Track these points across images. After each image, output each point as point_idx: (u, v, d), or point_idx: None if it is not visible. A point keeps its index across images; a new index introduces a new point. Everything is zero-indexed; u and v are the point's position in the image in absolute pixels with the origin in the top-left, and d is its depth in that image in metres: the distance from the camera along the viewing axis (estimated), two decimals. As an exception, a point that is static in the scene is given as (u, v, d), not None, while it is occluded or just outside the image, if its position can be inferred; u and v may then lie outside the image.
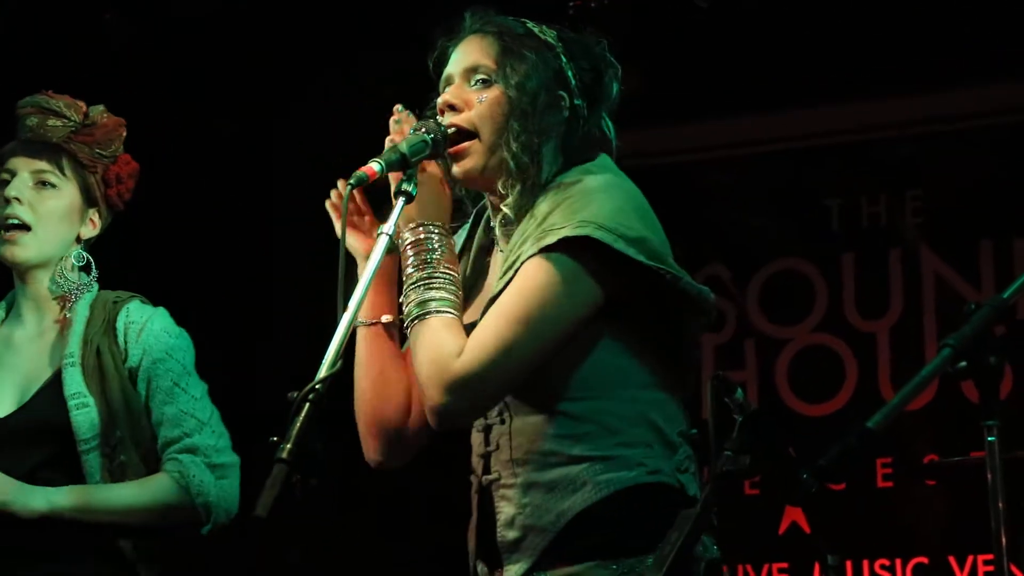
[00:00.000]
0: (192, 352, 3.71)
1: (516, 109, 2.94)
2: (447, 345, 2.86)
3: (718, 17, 5.52)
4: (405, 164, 2.92)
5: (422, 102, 3.07)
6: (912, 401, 2.46)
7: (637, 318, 2.93)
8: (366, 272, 2.83)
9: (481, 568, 3.01)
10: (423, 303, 2.90)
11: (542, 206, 2.93)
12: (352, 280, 2.82)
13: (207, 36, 5.84)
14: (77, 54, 5.68)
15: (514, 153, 2.94)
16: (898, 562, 5.67)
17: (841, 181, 5.88)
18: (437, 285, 2.91)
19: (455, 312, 2.91)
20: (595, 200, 2.87)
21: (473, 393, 2.85)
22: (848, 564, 5.65)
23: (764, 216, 5.89)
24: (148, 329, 3.66)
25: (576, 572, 2.88)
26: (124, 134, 3.79)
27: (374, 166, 2.89)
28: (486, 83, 2.98)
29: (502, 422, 2.95)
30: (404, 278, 2.95)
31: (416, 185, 2.93)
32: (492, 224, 3.06)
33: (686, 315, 2.95)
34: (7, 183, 3.69)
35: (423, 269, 2.92)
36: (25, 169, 3.69)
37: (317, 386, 2.63)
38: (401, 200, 2.92)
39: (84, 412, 3.57)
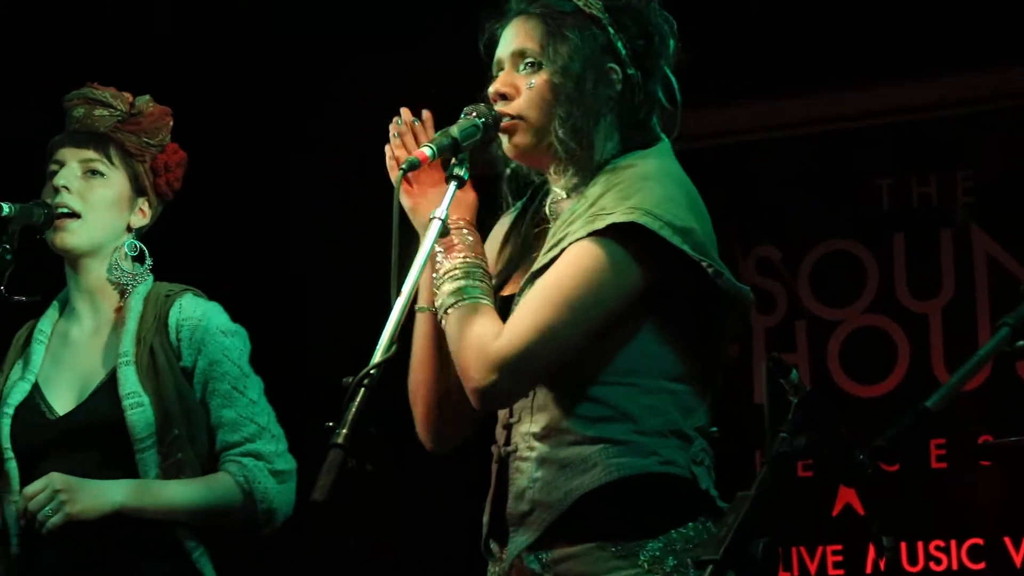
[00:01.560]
0: (248, 349, 3.71)
1: (561, 94, 2.94)
2: (485, 327, 2.86)
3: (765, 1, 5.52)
4: (456, 149, 2.93)
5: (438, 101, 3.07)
6: (969, 381, 2.45)
7: (673, 308, 2.92)
8: (419, 256, 2.83)
9: (493, 545, 3.02)
10: (454, 292, 2.91)
11: (595, 188, 2.93)
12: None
13: (248, 23, 5.86)
14: (123, 43, 5.70)
15: (560, 139, 2.95)
16: (953, 543, 5.64)
17: (891, 161, 5.84)
18: (467, 275, 2.92)
19: (487, 299, 2.91)
20: (646, 187, 2.87)
21: (514, 372, 2.85)
22: (903, 546, 5.63)
23: (814, 197, 5.86)
24: (202, 327, 3.66)
25: (575, 553, 2.89)
26: (171, 123, 3.79)
27: (425, 151, 2.90)
28: (534, 67, 2.98)
29: (526, 395, 2.95)
30: (436, 268, 2.95)
31: (467, 170, 2.94)
32: (545, 201, 3.06)
33: (723, 312, 2.94)
34: (54, 173, 3.70)
35: (451, 262, 2.93)
36: (73, 159, 3.69)
37: (372, 371, 2.64)
38: (453, 184, 2.93)
39: (139, 412, 3.57)
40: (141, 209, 3.76)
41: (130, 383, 3.59)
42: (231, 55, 5.89)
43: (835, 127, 5.91)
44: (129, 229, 3.75)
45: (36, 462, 3.61)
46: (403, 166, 2.87)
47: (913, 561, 5.67)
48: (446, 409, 3.05)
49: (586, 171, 2.96)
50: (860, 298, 5.88)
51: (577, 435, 2.90)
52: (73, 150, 3.70)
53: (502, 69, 3.02)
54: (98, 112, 3.72)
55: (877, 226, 5.87)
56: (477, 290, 2.91)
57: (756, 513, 2.60)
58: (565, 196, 3.00)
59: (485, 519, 3.02)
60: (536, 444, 2.93)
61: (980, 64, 5.63)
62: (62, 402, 3.67)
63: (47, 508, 3.50)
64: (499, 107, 2.98)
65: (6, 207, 3.63)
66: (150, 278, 3.74)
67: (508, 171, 3.11)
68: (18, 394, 3.68)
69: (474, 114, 2.98)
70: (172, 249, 3.84)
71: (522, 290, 2.94)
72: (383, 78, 5.65)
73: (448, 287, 2.92)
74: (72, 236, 3.68)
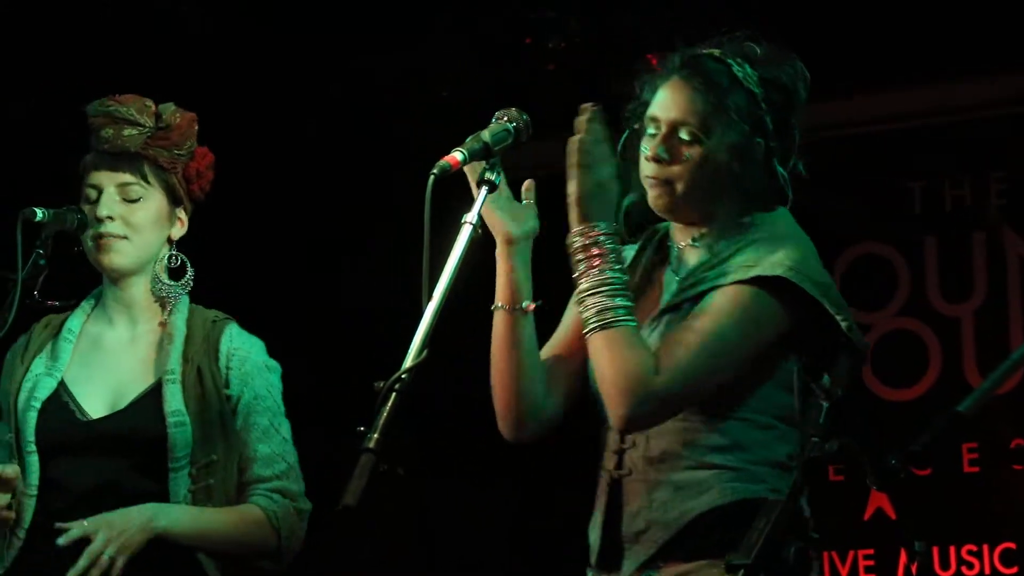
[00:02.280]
0: (282, 388, 3.77)
1: (715, 170, 3.08)
2: (640, 359, 2.97)
3: (800, 1, 5.50)
4: (488, 153, 2.94)
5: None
6: (1003, 385, 2.44)
7: (795, 355, 3.06)
8: (450, 261, 2.84)
9: (596, 572, 3.14)
10: (603, 311, 2.99)
11: (726, 242, 3.09)
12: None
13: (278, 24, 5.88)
14: (154, 42, 5.72)
15: (702, 207, 3.11)
16: (985, 548, 5.62)
17: (924, 164, 5.83)
18: (615, 292, 3.00)
19: (634, 319, 3.00)
20: (787, 245, 3.05)
21: (666, 409, 3.01)
22: (935, 550, 5.61)
23: (846, 199, 5.84)
24: (251, 361, 3.72)
25: (687, 570, 3.02)
26: (197, 128, 3.80)
27: (457, 155, 2.90)
28: (692, 141, 3.09)
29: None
30: (576, 281, 3.03)
31: (499, 174, 2.95)
32: (669, 243, 3.20)
33: (841, 360, 3.02)
34: (92, 197, 3.71)
35: (597, 275, 3.00)
36: (110, 184, 3.70)
37: (403, 376, 2.65)
38: (484, 189, 2.94)
39: (182, 430, 3.61)
40: (179, 219, 3.78)
41: (176, 401, 3.62)
42: (250, 54, 5.91)
43: (867, 130, 5.89)
44: (169, 241, 3.78)
45: (58, 459, 3.62)
46: (434, 171, 2.88)
47: (945, 566, 5.65)
48: (525, 403, 3.15)
49: (721, 228, 3.12)
50: (892, 301, 5.86)
51: (693, 461, 3.05)
52: (108, 174, 3.71)
53: (657, 128, 3.11)
54: (127, 132, 3.70)
55: (909, 229, 5.85)
56: (625, 311, 3.00)
57: (788, 517, 2.60)
58: (692, 243, 3.15)
59: (595, 539, 3.14)
60: (651, 468, 3.07)
61: (1014, 67, 5.61)
62: (94, 405, 3.67)
63: (106, 553, 3.51)
64: (652, 169, 3.10)
65: (39, 212, 3.65)
66: (186, 296, 3.77)
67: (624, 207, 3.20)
68: (45, 389, 3.68)
69: (505, 119, 3.00)
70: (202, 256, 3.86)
71: (652, 325, 3.08)
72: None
73: (598, 302, 3.00)
74: (120, 256, 3.71)
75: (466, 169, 2.98)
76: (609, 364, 2.98)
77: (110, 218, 3.68)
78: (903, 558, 5.67)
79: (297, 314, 5.72)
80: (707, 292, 3.04)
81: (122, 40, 5.67)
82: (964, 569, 5.63)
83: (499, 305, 3.12)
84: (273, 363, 3.77)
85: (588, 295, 3.00)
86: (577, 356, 3.17)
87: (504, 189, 3.08)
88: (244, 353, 3.72)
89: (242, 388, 3.68)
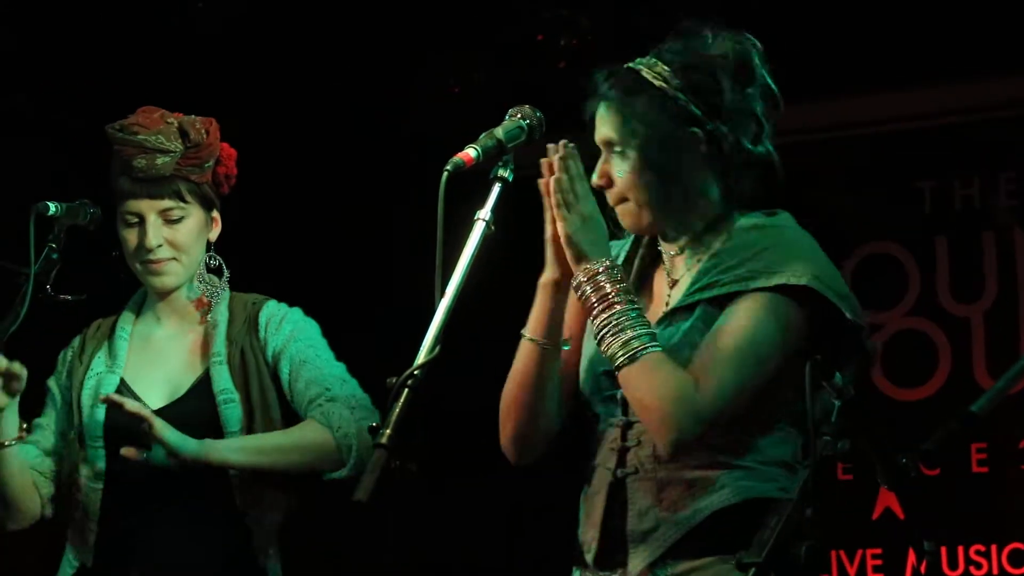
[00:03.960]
0: (325, 341, 3.87)
1: (648, 178, 3.08)
2: (679, 382, 2.97)
3: (810, 2, 5.50)
4: (501, 150, 2.95)
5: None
6: (1017, 385, 2.44)
7: (808, 359, 3.02)
8: (462, 259, 2.85)
9: (593, 571, 3.12)
10: (627, 343, 2.99)
11: (735, 243, 3.09)
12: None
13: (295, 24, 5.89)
14: (168, 43, 5.73)
15: (664, 212, 3.11)
16: (993, 548, 5.62)
17: (933, 163, 5.82)
18: (633, 323, 3.00)
19: (659, 345, 3.00)
20: (803, 252, 3.07)
21: (713, 427, 2.99)
22: (943, 550, 5.60)
23: (856, 199, 5.84)
24: (288, 318, 3.83)
25: (698, 566, 3.02)
26: (219, 133, 3.84)
27: (470, 152, 2.92)
28: (621, 155, 3.10)
29: None
30: (591, 322, 3.05)
31: (512, 171, 2.96)
32: (659, 245, 3.21)
33: (851, 365, 3.09)
34: (133, 224, 3.78)
35: (608, 311, 3.01)
36: (151, 212, 3.77)
37: (416, 372, 2.65)
38: (498, 186, 2.95)
39: (232, 407, 3.73)
40: (214, 220, 3.88)
41: (223, 380, 3.74)
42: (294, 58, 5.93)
43: (877, 130, 5.89)
44: (208, 243, 3.86)
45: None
46: (448, 167, 2.89)
47: (953, 565, 5.64)
48: (537, 431, 3.19)
49: (697, 229, 3.12)
50: (902, 301, 5.85)
51: (703, 460, 3.04)
52: (148, 202, 3.78)
53: (601, 153, 3.14)
54: (160, 161, 3.75)
55: (919, 229, 5.84)
56: (649, 338, 3.00)
57: (800, 516, 2.60)
58: (679, 252, 3.16)
59: (592, 538, 3.13)
60: (660, 466, 3.07)
61: (1023, 67, 5.60)
62: (152, 398, 3.77)
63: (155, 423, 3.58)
64: (607, 195, 3.12)
65: (52, 206, 3.68)
66: (227, 288, 3.88)
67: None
68: (109, 386, 3.78)
69: (518, 116, 3.02)
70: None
71: (661, 325, 3.09)
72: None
73: (619, 338, 2.99)
74: (173, 277, 3.83)
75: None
76: (649, 393, 2.99)
77: (159, 246, 3.78)
78: (911, 558, 5.66)
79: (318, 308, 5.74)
80: (725, 296, 3.04)
81: (134, 37, 5.70)
82: (972, 569, 5.62)
83: (533, 338, 3.14)
84: (313, 323, 3.87)
85: (607, 335, 3.01)
86: (573, 370, 3.22)
87: None
88: (280, 316, 3.83)
89: (283, 340, 3.79)
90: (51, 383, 3.91)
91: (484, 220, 2.90)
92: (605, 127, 3.11)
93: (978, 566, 5.63)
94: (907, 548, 5.65)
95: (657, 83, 3.08)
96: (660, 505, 3.05)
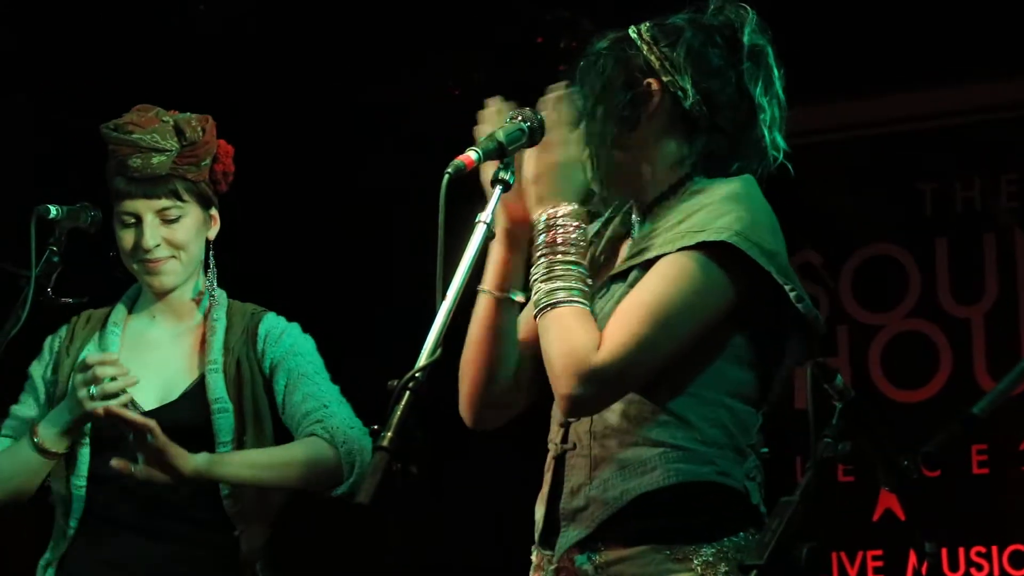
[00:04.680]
0: (317, 354, 3.85)
1: (591, 134, 2.99)
2: (583, 337, 2.85)
3: (811, 2, 5.50)
4: (502, 152, 2.92)
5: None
6: (1018, 387, 2.44)
7: (742, 328, 2.94)
8: (464, 260, 2.83)
9: (539, 549, 3.03)
10: (552, 292, 2.90)
11: (681, 206, 2.95)
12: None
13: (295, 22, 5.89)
14: (169, 43, 5.73)
15: (604, 172, 2.99)
16: (994, 549, 5.62)
17: (935, 165, 5.82)
18: (565, 273, 2.91)
19: (585, 302, 2.91)
20: (735, 209, 2.89)
21: (611, 387, 2.86)
22: (944, 552, 5.60)
23: (856, 201, 5.85)
24: (288, 333, 3.81)
25: (629, 555, 2.90)
26: (215, 130, 3.83)
27: (471, 155, 2.88)
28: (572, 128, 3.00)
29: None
30: (532, 262, 2.96)
31: (513, 174, 2.94)
32: (631, 216, 3.09)
33: (794, 335, 2.98)
34: (130, 224, 3.76)
35: (551, 256, 2.92)
36: (148, 211, 3.75)
37: (417, 374, 2.64)
38: (499, 188, 2.92)
39: (225, 416, 3.70)
40: (213, 218, 3.86)
41: (218, 389, 3.71)
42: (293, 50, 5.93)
43: (878, 131, 5.89)
44: (207, 242, 3.85)
45: (110, 450, 3.65)
46: (449, 170, 2.87)
47: (954, 567, 5.65)
48: (493, 391, 3.07)
49: (666, 195, 2.99)
50: (902, 303, 5.86)
51: (637, 437, 2.92)
52: (145, 202, 3.76)
53: None
54: (156, 160, 3.74)
55: (920, 230, 5.85)
56: (575, 292, 2.90)
57: (800, 518, 2.60)
58: (644, 216, 3.03)
59: (539, 516, 3.04)
60: (595, 443, 2.95)
61: (1024, 68, 5.62)
62: (145, 398, 3.74)
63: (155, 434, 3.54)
64: None
65: (53, 209, 3.67)
66: (223, 291, 3.85)
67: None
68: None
69: (519, 118, 2.99)
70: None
71: (600, 293, 2.97)
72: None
73: (549, 285, 2.91)
74: (172, 277, 3.80)
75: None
76: (551, 344, 2.88)
77: (157, 246, 3.75)
78: (912, 559, 5.67)
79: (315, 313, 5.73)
80: (655, 259, 2.90)
81: (132, 36, 5.70)
82: (973, 571, 5.63)
83: (487, 290, 3.04)
84: (309, 337, 3.85)
85: (538, 279, 2.92)
86: (538, 343, 3.03)
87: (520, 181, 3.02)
88: (279, 331, 3.81)
89: (281, 354, 3.77)
90: (34, 371, 3.84)
91: (485, 223, 2.88)
92: (568, 102, 3.03)
93: (979, 568, 5.63)
94: (908, 549, 5.66)
95: (630, 34, 3.04)
96: (591, 483, 2.93)
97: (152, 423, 3.54)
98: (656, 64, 3.00)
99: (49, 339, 3.87)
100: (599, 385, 2.85)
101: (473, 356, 3.06)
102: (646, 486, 2.89)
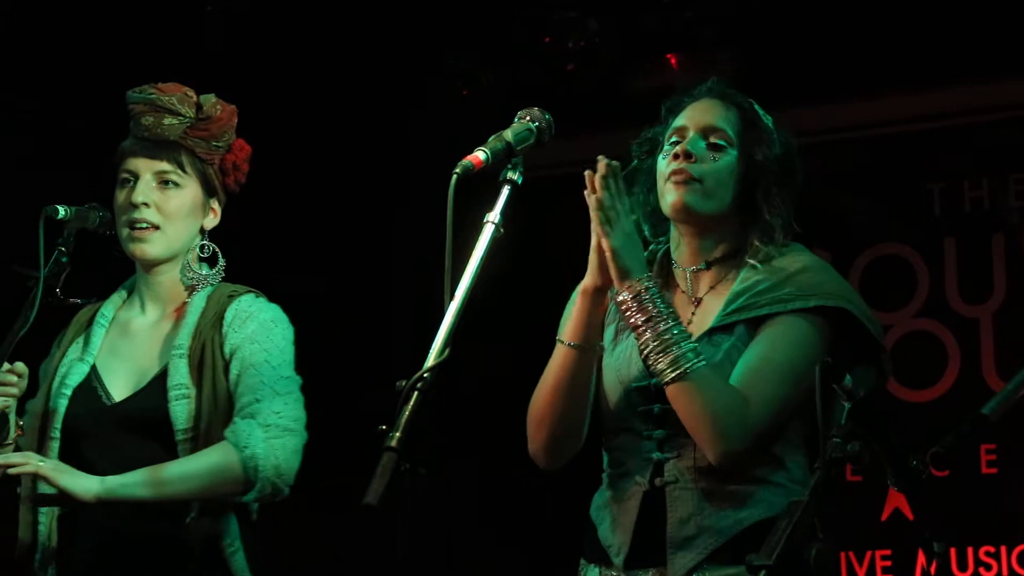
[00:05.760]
0: (289, 341, 3.71)
1: (769, 172, 3.28)
2: (729, 398, 3.14)
3: (819, 2, 5.50)
4: (511, 153, 2.94)
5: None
6: (1027, 388, 2.44)
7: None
8: (472, 261, 2.83)
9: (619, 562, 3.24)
10: (675, 360, 3.14)
11: (758, 266, 3.25)
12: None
13: (304, 25, 5.89)
14: (178, 46, 5.73)
15: (721, 216, 3.27)
16: (1003, 549, 5.61)
17: (943, 165, 5.82)
18: (679, 339, 3.14)
19: (706, 361, 3.15)
20: (830, 278, 3.28)
21: (760, 440, 3.16)
22: (952, 551, 5.60)
23: (865, 201, 5.84)
24: (255, 318, 3.69)
25: (735, 573, 3.11)
26: (236, 121, 3.82)
27: (480, 155, 2.90)
28: (719, 148, 3.26)
29: (687, 434, 3.18)
30: (637, 337, 3.17)
31: (521, 174, 2.95)
32: (673, 265, 3.35)
33: (870, 380, 3.30)
34: (128, 182, 3.72)
35: (654, 328, 3.14)
36: (147, 171, 3.71)
37: (425, 375, 2.64)
38: (507, 188, 2.93)
39: (183, 403, 3.60)
40: (212, 209, 3.80)
41: (180, 375, 3.63)
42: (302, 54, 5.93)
43: (886, 131, 5.89)
44: (202, 231, 3.79)
45: (81, 444, 3.64)
46: (457, 170, 2.87)
47: (963, 567, 5.64)
48: (569, 436, 3.29)
49: (726, 250, 3.30)
50: (911, 302, 5.85)
51: (741, 474, 3.18)
52: (146, 161, 3.72)
53: (683, 135, 3.28)
54: (167, 121, 3.72)
55: (928, 230, 5.84)
56: (695, 355, 3.14)
57: (810, 519, 2.60)
58: (702, 268, 3.31)
59: (622, 541, 3.24)
60: (700, 477, 3.20)
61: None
62: (118, 389, 3.70)
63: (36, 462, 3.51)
64: (676, 165, 3.24)
65: (62, 210, 3.66)
66: (220, 277, 3.78)
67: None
68: (76, 375, 3.71)
69: (528, 118, 3.00)
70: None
71: (700, 340, 3.21)
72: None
73: (667, 354, 3.13)
74: (152, 247, 3.72)
75: None
76: (702, 407, 3.13)
77: (145, 204, 3.69)
78: (920, 559, 5.66)
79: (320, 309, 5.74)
80: (763, 317, 3.20)
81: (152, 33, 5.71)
82: (982, 570, 5.62)
83: (572, 343, 3.24)
84: (283, 324, 3.72)
85: (653, 352, 3.14)
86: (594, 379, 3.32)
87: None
88: (247, 314, 3.69)
89: (241, 341, 3.65)
90: (42, 368, 3.82)
91: (493, 223, 2.89)
92: (716, 117, 3.28)
93: (987, 567, 5.62)
94: (916, 549, 5.65)
95: (766, 122, 3.33)
96: (702, 514, 3.19)
97: (33, 466, 3.49)
98: (775, 166, 3.32)
99: (57, 338, 3.85)
100: (753, 439, 3.14)
101: (553, 405, 3.28)
102: (756, 516, 3.16)
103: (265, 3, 5.81)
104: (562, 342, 3.25)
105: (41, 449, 3.65)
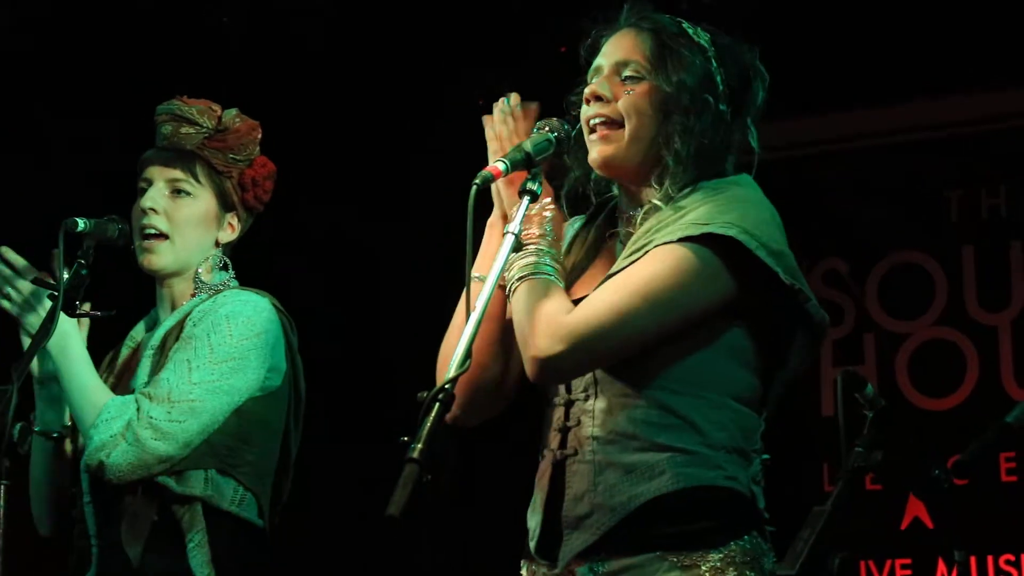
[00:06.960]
0: (243, 348, 3.61)
1: (677, 104, 2.94)
2: (556, 303, 2.86)
3: (835, 9, 5.50)
4: (530, 163, 2.93)
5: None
6: (1050, 396, 2.43)
7: (752, 329, 2.92)
8: (492, 271, 2.83)
9: (534, 560, 2.98)
10: (527, 266, 2.90)
11: (683, 202, 2.92)
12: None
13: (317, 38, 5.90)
14: (196, 57, 5.75)
15: (676, 148, 2.94)
16: (1023, 557, 5.60)
17: (960, 173, 5.82)
18: (544, 254, 2.91)
19: (560, 280, 2.91)
20: (743, 207, 2.88)
21: (580, 347, 2.82)
22: (972, 559, 5.58)
23: (883, 209, 5.84)
24: (214, 317, 3.62)
25: (636, 563, 2.86)
26: (259, 137, 3.81)
27: (499, 166, 2.89)
28: (635, 79, 2.97)
29: (587, 399, 2.93)
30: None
31: (541, 184, 2.94)
32: (621, 212, 3.06)
33: (799, 337, 2.95)
34: (143, 191, 3.73)
35: (531, 241, 2.92)
36: (160, 178, 3.72)
37: (447, 386, 2.64)
38: (526, 199, 2.92)
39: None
40: (230, 224, 3.78)
41: (143, 374, 3.62)
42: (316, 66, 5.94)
43: (903, 139, 5.88)
44: (217, 244, 3.78)
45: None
46: (476, 181, 2.87)
47: (983, 575, 5.63)
48: (482, 384, 3.03)
49: (675, 186, 2.94)
50: (929, 310, 5.85)
51: (644, 441, 2.88)
52: (160, 168, 3.73)
53: (599, 75, 3.01)
54: (184, 130, 3.73)
55: (946, 238, 5.84)
56: (551, 268, 2.90)
57: (832, 528, 2.60)
58: (642, 211, 2.98)
59: (535, 524, 2.99)
60: (598, 448, 2.90)
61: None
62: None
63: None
64: (593, 108, 2.98)
65: (81, 222, 3.66)
66: (234, 283, 3.76)
67: (568, 183, 3.11)
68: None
69: (547, 128, 2.99)
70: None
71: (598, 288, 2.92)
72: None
73: (523, 260, 2.91)
74: (159, 257, 3.72)
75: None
76: (523, 310, 2.87)
77: (154, 210, 3.70)
78: (941, 567, 5.65)
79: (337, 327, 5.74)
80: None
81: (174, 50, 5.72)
82: (1002, 579, 5.61)
83: (481, 276, 2.93)
84: (239, 321, 3.61)
85: (516, 260, 2.92)
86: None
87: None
88: (202, 313, 3.63)
89: (187, 334, 3.59)
90: None
91: (513, 233, 2.89)
92: (628, 49, 2.99)
93: (1008, 576, 5.61)
94: (936, 557, 5.64)
95: (697, 40, 2.99)
96: (596, 490, 2.88)
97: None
98: (720, 88, 2.98)
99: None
100: (569, 345, 2.81)
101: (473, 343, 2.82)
102: (654, 491, 2.85)
103: (276, 16, 5.83)
104: (476, 278, 2.92)
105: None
